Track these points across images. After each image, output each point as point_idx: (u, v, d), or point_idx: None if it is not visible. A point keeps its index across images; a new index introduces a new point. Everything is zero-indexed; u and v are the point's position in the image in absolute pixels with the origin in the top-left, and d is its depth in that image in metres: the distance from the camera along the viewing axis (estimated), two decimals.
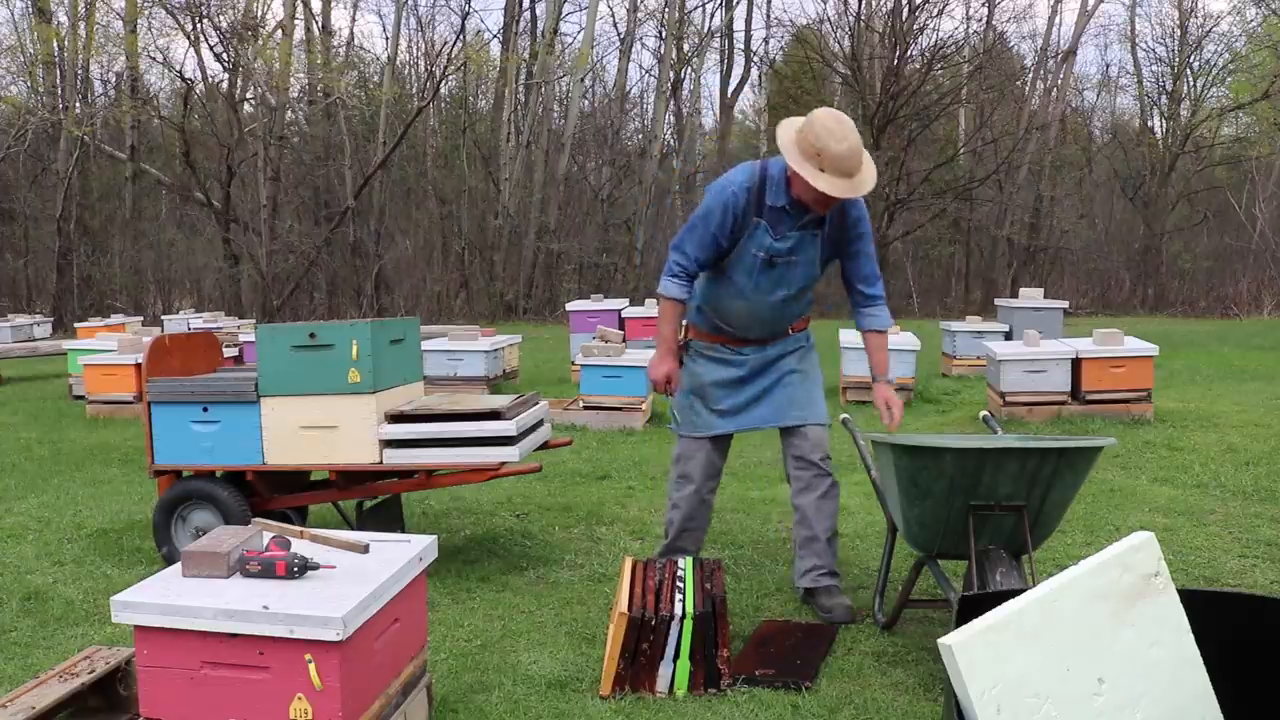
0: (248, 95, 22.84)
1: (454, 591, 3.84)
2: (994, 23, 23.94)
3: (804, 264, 3.50)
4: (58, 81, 22.99)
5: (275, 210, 21.67)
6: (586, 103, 25.93)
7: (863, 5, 22.65)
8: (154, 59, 22.76)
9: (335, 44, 25.31)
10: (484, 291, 22.97)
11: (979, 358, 9.67)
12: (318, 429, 3.79)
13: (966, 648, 1.79)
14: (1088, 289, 23.38)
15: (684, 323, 3.73)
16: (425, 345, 8.69)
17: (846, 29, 22.92)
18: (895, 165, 20.75)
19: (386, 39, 27.81)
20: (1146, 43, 29.10)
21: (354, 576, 2.44)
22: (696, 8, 26.36)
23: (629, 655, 2.87)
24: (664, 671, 2.88)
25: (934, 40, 22.14)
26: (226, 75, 22.34)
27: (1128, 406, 7.17)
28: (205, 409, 3.89)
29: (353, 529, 3.97)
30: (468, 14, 30.66)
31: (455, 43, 23.57)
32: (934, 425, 7.41)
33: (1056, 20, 33.91)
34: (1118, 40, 33.85)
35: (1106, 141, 26.91)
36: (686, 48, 25.94)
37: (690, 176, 26.76)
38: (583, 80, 25.09)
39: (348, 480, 3.98)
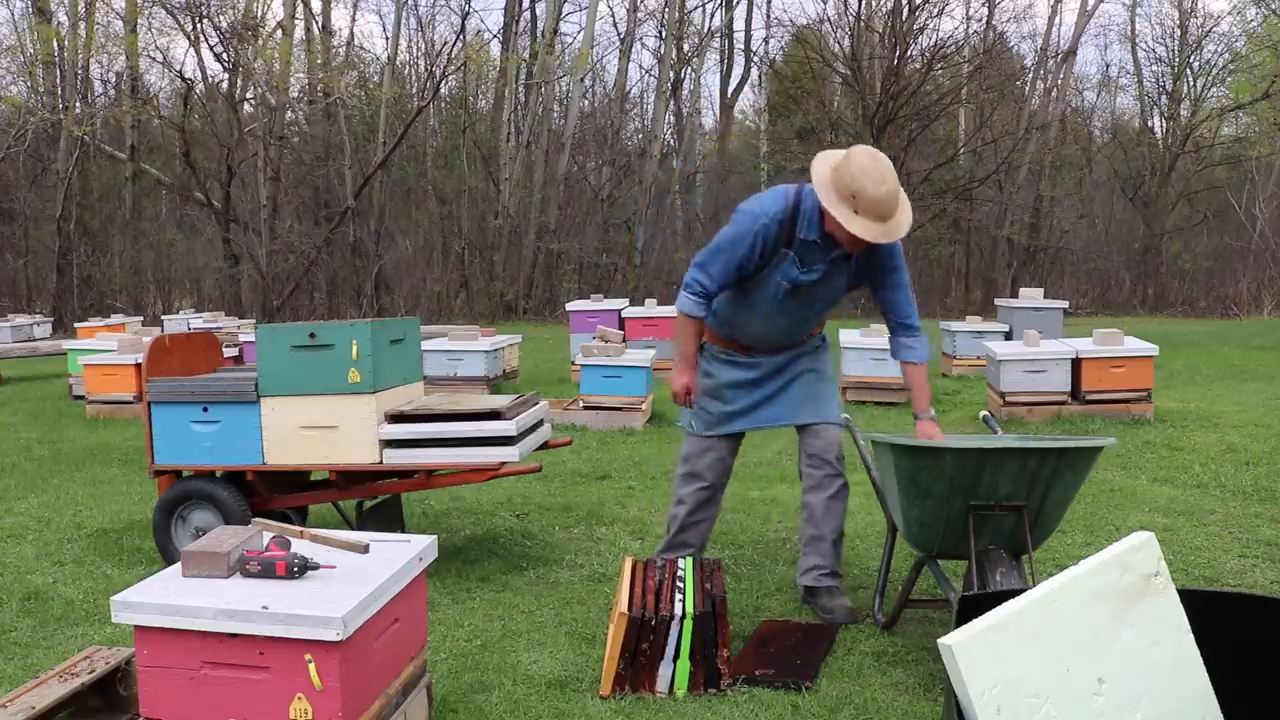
0: (248, 95, 22.83)
1: (454, 591, 3.84)
2: (994, 23, 23.93)
3: (828, 291, 3.47)
4: (58, 81, 22.99)
5: (275, 210, 21.66)
6: (586, 103, 25.93)
7: (863, 5, 22.64)
8: (154, 59, 22.80)
9: (335, 44, 25.33)
10: (484, 291, 22.97)
11: (979, 358, 9.67)
12: (318, 429, 3.79)
13: (966, 648, 1.79)
14: (1088, 289, 23.37)
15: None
16: (425, 345, 8.69)
17: (846, 29, 22.90)
18: (895, 165, 20.70)
19: (386, 39, 27.83)
20: (1146, 43, 29.09)
21: (354, 576, 2.44)
22: (696, 8, 26.39)
23: (629, 655, 2.87)
24: (664, 671, 2.88)
25: (934, 40, 22.11)
26: (226, 75, 22.36)
27: (1128, 406, 7.17)
28: (205, 409, 3.89)
29: (353, 529, 3.97)
30: (468, 14, 30.68)
31: (455, 43, 23.57)
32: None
33: (1056, 20, 33.95)
34: (1118, 40, 33.86)
35: (1106, 141, 26.89)
36: (686, 48, 25.94)
37: (690, 176, 26.77)
38: (583, 80, 25.09)
39: (348, 480, 3.98)
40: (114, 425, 8.12)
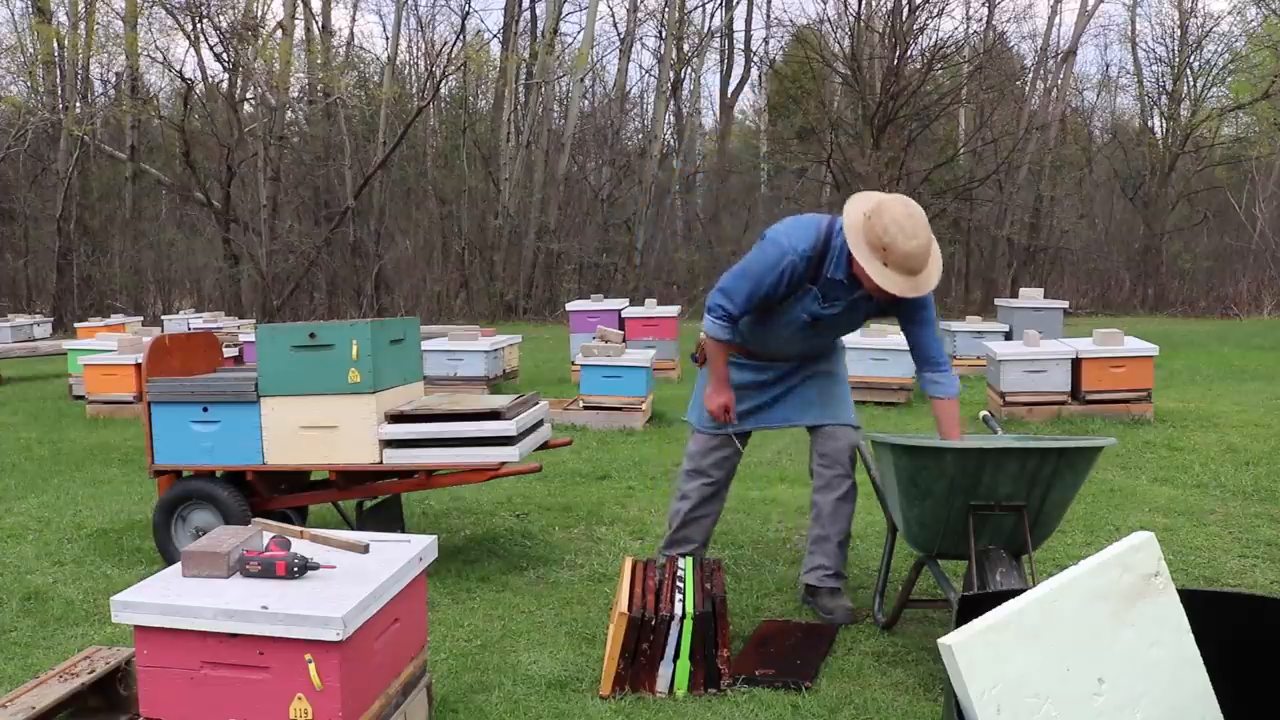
0: (248, 95, 22.83)
1: (454, 591, 3.84)
2: (994, 23, 23.91)
3: (848, 322, 3.47)
4: (58, 81, 22.99)
5: (275, 210, 21.66)
6: (586, 103, 25.93)
7: (863, 5, 22.63)
8: (154, 59, 22.77)
9: (335, 44, 25.32)
10: (484, 291, 22.97)
11: (979, 358, 9.67)
12: (318, 429, 3.79)
13: (966, 648, 1.79)
14: (1088, 289, 23.36)
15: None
16: (425, 345, 8.69)
17: (846, 29, 22.88)
18: (895, 165, 20.74)
19: (386, 39, 27.83)
20: (1146, 43, 29.05)
21: (354, 576, 2.44)
22: (696, 8, 26.40)
23: (629, 655, 2.87)
24: (664, 671, 2.88)
25: (934, 40, 22.11)
26: (226, 75, 22.36)
27: (1128, 406, 7.17)
28: (205, 409, 3.89)
29: (353, 529, 3.97)
30: (468, 14, 30.65)
31: (455, 43, 23.57)
32: (934, 425, 7.40)
33: (1056, 20, 33.92)
34: (1118, 40, 33.85)
35: (1106, 141, 26.88)
36: (686, 48, 25.94)
37: (690, 176, 26.76)
38: (583, 80, 25.09)
39: (348, 480, 3.98)
40: (114, 425, 8.12)
